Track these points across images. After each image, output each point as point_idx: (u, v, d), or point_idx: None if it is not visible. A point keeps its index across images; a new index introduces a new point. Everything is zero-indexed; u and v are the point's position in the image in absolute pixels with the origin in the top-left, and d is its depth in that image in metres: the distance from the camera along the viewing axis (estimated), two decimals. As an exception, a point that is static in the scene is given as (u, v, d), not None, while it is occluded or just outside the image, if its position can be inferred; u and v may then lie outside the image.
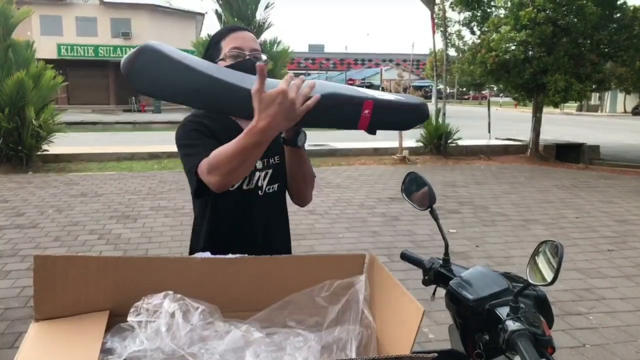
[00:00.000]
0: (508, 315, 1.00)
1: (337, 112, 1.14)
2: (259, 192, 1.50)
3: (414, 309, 0.98)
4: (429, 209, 1.34)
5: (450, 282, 1.18)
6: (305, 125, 1.20)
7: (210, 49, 1.48)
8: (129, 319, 0.98)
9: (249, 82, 1.12)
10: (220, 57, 1.43)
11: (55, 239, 4.94)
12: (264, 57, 1.47)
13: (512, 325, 0.96)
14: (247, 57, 1.41)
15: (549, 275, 0.93)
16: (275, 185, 1.54)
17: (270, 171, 1.52)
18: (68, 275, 1.03)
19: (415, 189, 1.40)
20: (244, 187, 1.48)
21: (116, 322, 1.03)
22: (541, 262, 0.96)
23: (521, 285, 1.11)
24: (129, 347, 0.97)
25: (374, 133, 1.22)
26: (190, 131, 1.43)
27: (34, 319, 1.02)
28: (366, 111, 1.14)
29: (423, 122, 1.29)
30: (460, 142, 11.42)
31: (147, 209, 6.18)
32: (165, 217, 5.79)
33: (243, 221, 1.50)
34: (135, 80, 1.03)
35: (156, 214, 5.94)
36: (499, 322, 1.01)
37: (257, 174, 1.50)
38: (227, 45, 1.43)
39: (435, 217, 1.33)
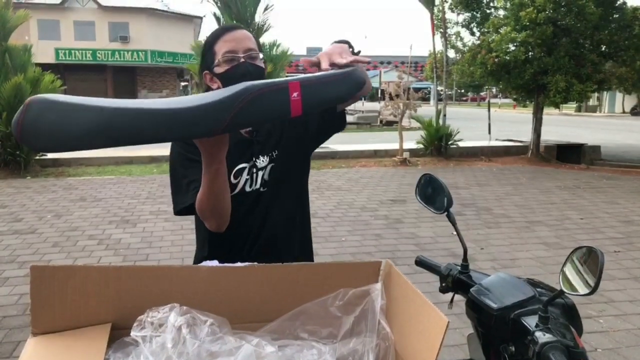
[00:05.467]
0: (537, 325, 0.93)
1: (263, 103, 1.02)
2: (261, 189, 1.46)
3: (436, 319, 0.92)
4: (446, 213, 1.28)
5: (471, 289, 1.12)
6: (234, 128, 1.04)
7: (205, 55, 1.42)
8: (132, 333, 0.92)
9: (160, 102, 0.98)
10: (215, 62, 1.37)
11: (54, 245, 4.87)
12: (260, 55, 1.40)
13: (542, 337, 0.90)
14: (242, 59, 1.35)
15: (585, 284, 0.87)
16: (280, 183, 1.48)
17: (271, 166, 1.47)
18: (67, 286, 0.96)
19: (430, 191, 1.34)
20: (247, 189, 1.44)
21: (119, 335, 0.97)
22: (576, 269, 0.90)
23: (548, 293, 1.05)
24: (133, 363, 0.91)
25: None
26: (181, 153, 1.41)
27: (32, 333, 0.95)
28: (295, 94, 1.03)
29: (361, 89, 1.17)
30: (460, 144, 11.37)
31: (147, 214, 6.11)
32: (165, 222, 5.72)
33: (245, 224, 1.44)
34: (31, 139, 0.87)
35: (156, 219, 5.87)
36: (527, 333, 0.94)
37: (260, 172, 1.46)
38: (220, 50, 1.36)
39: (452, 221, 1.27)
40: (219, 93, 1.01)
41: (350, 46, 1.28)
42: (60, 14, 28.54)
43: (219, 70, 1.36)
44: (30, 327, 0.95)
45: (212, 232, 1.43)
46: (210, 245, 1.49)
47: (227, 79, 1.35)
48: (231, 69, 1.34)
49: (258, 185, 1.45)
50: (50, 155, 9.42)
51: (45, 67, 9.68)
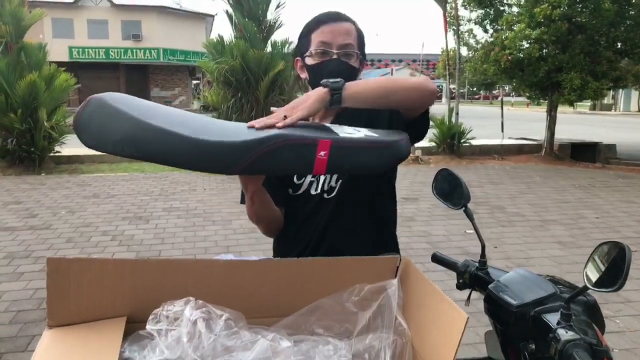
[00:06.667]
0: (559, 323, 0.91)
1: (286, 155, 0.97)
2: (325, 195, 1.37)
3: (455, 315, 0.91)
4: (463, 208, 1.26)
5: (490, 285, 1.10)
6: (250, 173, 1.04)
7: (301, 40, 1.36)
8: (148, 326, 0.92)
9: (191, 127, 0.97)
10: (308, 52, 1.32)
11: (68, 240, 4.92)
12: (356, 53, 1.31)
13: (565, 334, 0.88)
14: (334, 55, 1.28)
15: (610, 280, 0.84)
16: (347, 194, 1.37)
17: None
18: (83, 279, 0.96)
19: (447, 187, 1.32)
20: (312, 192, 1.38)
21: (134, 329, 0.97)
22: (600, 265, 0.88)
23: (569, 290, 1.03)
24: (148, 356, 0.91)
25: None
26: None
27: (47, 326, 0.95)
28: (322, 153, 0.97)
29: (399, 162, 1.08)
30: (473, 142, 11.28)
31: (160, 210, 6.15)
32: (177, 218, 5.75)
33: (308, 229, 1.40)
34: (82, 134, 0.94)
35: (168, 215, 5.90)
36: (548, 330, 0.92)
37: (322, 177, 1.37)
38: (315, 39, 1.30)
39: (470, 217, 1.25)
40: (247, 133, 0.99)
41: (330, 89, 1.09)
42: (73, 12, 28.80)
43: (309, 61, 1.32)
44: (46, 320, 0.95)
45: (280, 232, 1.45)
46: (274, 243, 1.49)
47: (314, 73, 1.31)
48: (320, 64, 1.29)
49: (319, 190, 1.37)
50: (64, 152, 9.52)
51: (58, 65, 9.75)
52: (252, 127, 1.02)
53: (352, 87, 1.12)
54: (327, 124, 1.11)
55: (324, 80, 1.11)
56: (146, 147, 0.93)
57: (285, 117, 1.03)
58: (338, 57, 1.28)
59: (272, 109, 1.10)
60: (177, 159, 0.94)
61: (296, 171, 1.07)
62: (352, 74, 1.29)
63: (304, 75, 1.35)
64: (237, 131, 1.00)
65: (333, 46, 1.28)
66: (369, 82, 1.18)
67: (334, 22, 1.31)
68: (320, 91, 1.09)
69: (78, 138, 0.94)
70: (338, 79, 1.11)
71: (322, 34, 1.29)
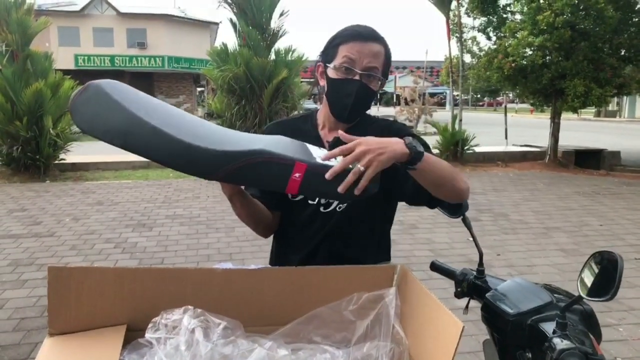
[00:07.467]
0: (554, 332, 0.92)
1: (263, 170, 1.02)
2: (321, 208, 1.37)
3: (451, 324, 0.91)
4: (462, 217, 1.27)
5: (487, 294, 1.11)
6: (227, 181, 1.10)
7: (329, 47, 1.33)
8: (146, 335, 0.93)
9: (179, 127, 1.01)
10: (332, 64, 1.30)
11: (72, 248, 4.94)
12: (378, 76, 1.29)
13: (560, 343, 0.88)
14: (357, 76, 1.26)
15: (604, 290, 0.85)
16: (346, 212, 1.36)
17: None
18: (84, 287, 0.98)
19: (445, 195, 1.32)
20: (309, 201, 1.38)
21: (133, 337, 0.98)
22: (594, 274, 0.89)
23: (566, 299, 1.03)
24: (147, 364, 0.92)
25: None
26: None
27: (48, 334, 0.97)
28: (297, 174, 1.02)
29: (366, 197, 1.07)
30: (477, 149, 11.27)
31: (163, 218, 6.16)
32: (181, 226, 5.76)
33: (303, 237, 1.41)
34: (76, 116, 0.99)
35: (172, 223, 5.92)
36: (544, 339, 0.93)
37: None
38: (342, 53, 1.28)
39: (467, 225, 1.26)
40: (234, 144, 1.04)
41: (412, 153, 1.05)
42: (79, 21, 29.03)
43: (331, 73, 1.30)
44: (48, 328, 0.97)
45: (277, 231, 1.47)
46: (275, 242, 1.51)
47: (333, 87, 1.30)
48: (341, 81, 1.27)
49: (316, 202, 1.37)
50: (69, 160, 9.58)
51: (64, 73, 9.84)
52: (327, 159, 1.04)
53: (428, 160, 1.09)
54: (307, 144, 1.13)
55: (409, 142, 1.06)
56: (134, 141, 0.99)
57: (363, 168, 1.01)
58: (360, 78, 1.26)
59: (343, 136, 1.05)
60: (161, 158, 1.00)
61: (270, 187, 1.09)
62: (370, 98, 1.30)
63: (322, 82, 1.35)
64: (225, 139, 1.05)
65: (358, 65, 1.26)
66: (441, 162, 1.15)
67: (366, 41, 1.27)
68: (400, 148, 1.04)
69: (72, 119, 0.99)
70: (422, 147, 1.08)
71: (350, 50, 1.27)
